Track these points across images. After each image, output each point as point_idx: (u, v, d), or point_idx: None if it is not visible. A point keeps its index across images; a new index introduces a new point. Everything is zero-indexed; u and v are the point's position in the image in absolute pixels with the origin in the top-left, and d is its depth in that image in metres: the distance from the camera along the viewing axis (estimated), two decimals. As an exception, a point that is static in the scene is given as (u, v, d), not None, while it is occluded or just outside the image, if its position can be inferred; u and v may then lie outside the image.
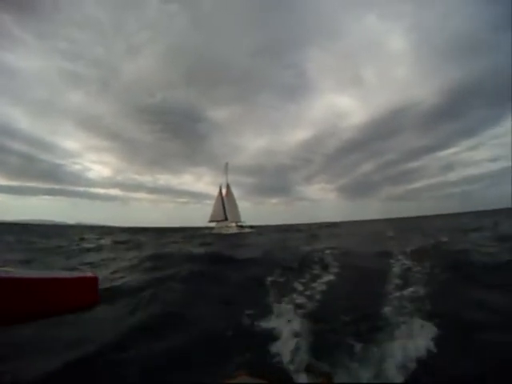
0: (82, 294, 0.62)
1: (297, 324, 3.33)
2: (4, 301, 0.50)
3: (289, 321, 3.43)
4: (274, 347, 2.81)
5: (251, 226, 48.56)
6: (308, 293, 4.52)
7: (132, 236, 29.42)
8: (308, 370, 2.42)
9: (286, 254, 9.73)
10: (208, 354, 2.86)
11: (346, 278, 5.68)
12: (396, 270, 5.81)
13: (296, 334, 3.07)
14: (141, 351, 2.86)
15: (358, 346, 2.76)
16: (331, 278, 5.62)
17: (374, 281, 5.18)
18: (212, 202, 53.43)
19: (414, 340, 2.75)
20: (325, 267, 6.50)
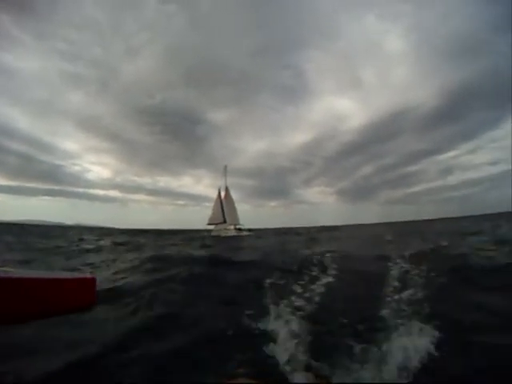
0: (79, 295, 0.63)
1: (295, 325, 3.33)
2: (3, 301, 0.50)
3: (287, 322, 3.43)
4: (273, 348, 2.80)
5: (250, 229, 48.47)
6: (307, 295, 4.53)
7: (131, 238, 29.33)
8: (307, 371, 2.43)
9: (285, 257, 9.72)
10: (208, 354, 2.86)
11: (345, 281, 5.69)
12: (394, 272, 5.82)
13: (295, 336, 3.07)
14: (142, 351, 2.87)
15: (358, 347, 2.77)
16: (330, 280, 5.63)
17: (373, 283, 5.18)
18: (211, 205, 53.52)
19: (414, 341, 2.77)
20: (324, 270, 6.50)
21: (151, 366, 2.63)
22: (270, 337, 3.07)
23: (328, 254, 8.83)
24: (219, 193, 52.85)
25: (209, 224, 50.92)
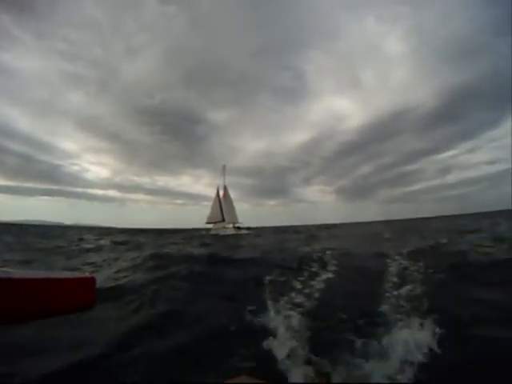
0: (79, 294, 0.62)
1: (295, 321, 3.36)
2: (4, 301, 0.50)
3: (287, 317, 3.46)
4: (273, 345, 2.81)
5: (248, 228, 48.54)
6: (307, 291, 4.56)
7: (131, 237, 29.32)
8: (307, 369, 2.45)
9: (285, 254, 9.77)
10: (211, 350, 2.89)
11: (345, 277, 5.73)
12: (393, 269, 5.86)
13: (295, 331, 3.10)
14: (144, 349, 2.88)
15: (358, 342, 2.80)
16: (330, 276, 5.68)
17: (372, 279, 5.22)
18: (210, 204, 53.67)
19: (414, 335, 2.80)
20: (324, 266, 6.55)
21: (154, 364, 2.64)
22: (270, 332, 3.09)
23: (328, 252, 8.87)
24: (218, 192, 53.02)
25: (207, 223, 51.03)
